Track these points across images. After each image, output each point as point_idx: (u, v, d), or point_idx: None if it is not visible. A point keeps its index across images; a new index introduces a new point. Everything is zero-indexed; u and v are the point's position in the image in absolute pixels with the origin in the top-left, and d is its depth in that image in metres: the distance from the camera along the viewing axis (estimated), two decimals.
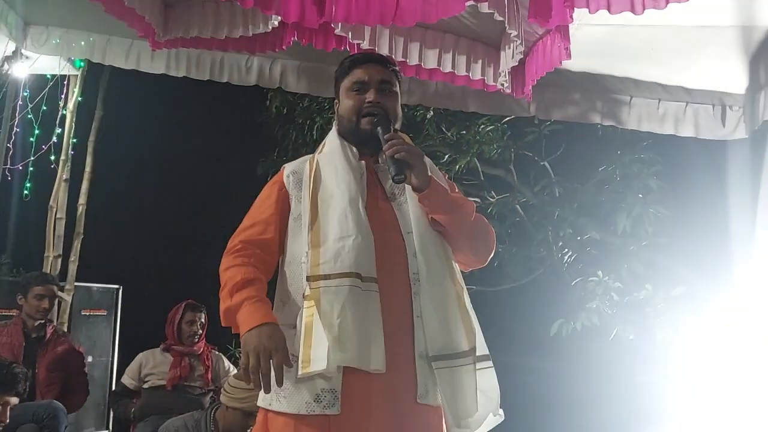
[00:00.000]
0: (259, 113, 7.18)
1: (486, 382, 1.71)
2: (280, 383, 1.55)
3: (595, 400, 4.71)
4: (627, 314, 4.79)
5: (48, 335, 3.79)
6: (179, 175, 8.36)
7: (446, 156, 5.93)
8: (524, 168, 5.90)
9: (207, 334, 4.07)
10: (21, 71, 4.04)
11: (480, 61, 3.30)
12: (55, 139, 4.97)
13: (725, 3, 2.84)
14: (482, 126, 5.66)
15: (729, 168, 3.80)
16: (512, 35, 2.68)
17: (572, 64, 3.17)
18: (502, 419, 1.75)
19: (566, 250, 5.62)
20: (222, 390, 3.15)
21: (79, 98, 5.11)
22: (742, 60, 3.26)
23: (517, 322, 5.16)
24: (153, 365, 3.91)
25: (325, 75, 3.70)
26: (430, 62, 3.25)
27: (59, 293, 4.16)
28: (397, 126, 1.85)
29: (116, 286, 5.70)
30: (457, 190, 1.88)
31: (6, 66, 3.86)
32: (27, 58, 3.89)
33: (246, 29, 3.03)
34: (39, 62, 4.08)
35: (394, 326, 1.64)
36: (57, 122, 4.99)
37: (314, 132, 6.36)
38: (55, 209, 5.02)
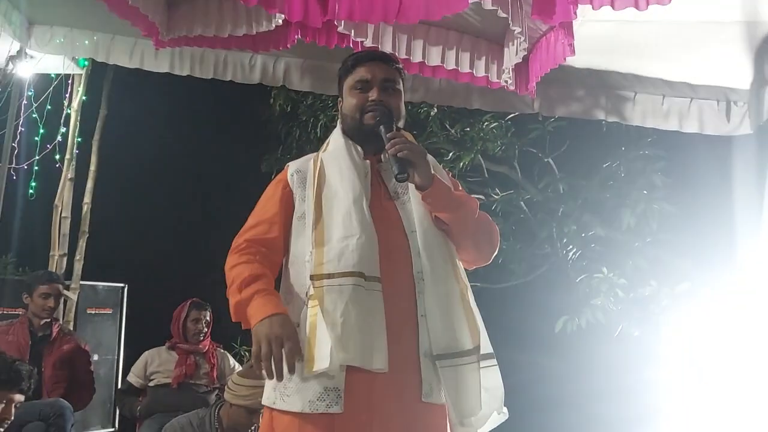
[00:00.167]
0: (262, 111, 7.19)
1: (490, 380, 1.71)
2: (292, 371, 1.56)
3: (600, 397, 4.71)
4: (632, 311, 4.79)
5: (54, 334, 3.80)
6: (183, 174, 8.38)
7: (450, 153, 5.92)
8: (528, 165, 5.89)
9: (212, 332, 4.09)
10: (25, 71, 4.05)
11: (484, 58, 3.30)
12: (59, 138, 4.98)
13: None
14: (486, 123, 5.66)
15: (734, 164, 3.79)
16: (516, 32, 2.68)
17: (576, 61, 3.17)
18: (506, 417, 1.74)
19: (571, 246, 5.62)
20: (226, 387, 3.15)
21: (84, 97, 5.12)
22: (747, 55, 3.25)
23: (522, 319, 5.16)
24: (159, 363, 3.92)
25: (329, 73, 3.70)
26: (434, 59, 3.24)
27: (65, 292, 4.18)
28: (401, 124, 1.85)
29: (121, 285, 5.71)
30: (460, 188, 1.88)
31: (10, 65, 3.88)
32: (31, 57, 3.90)
33: (249, 27, 3.03)
34: (43, 62, 4.10)
35: (398, 325, 1.64)
36: (62, 121, 5.00)
37: (318, 129, 6.37)
38: (60, 208, 5.03)
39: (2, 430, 2.90)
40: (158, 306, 4.50)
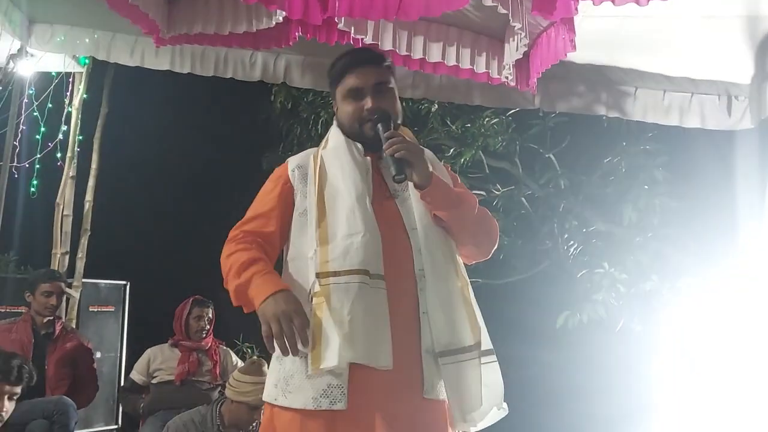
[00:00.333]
0: (263, 108, 7.19)
1: (490, 376, 1.72)
2: (306, 343, 1.57)
3: (601, 392, 4.71)
4: (633, 306, 4.79)
5: (57, 332, 3.81)
6: (185, 171, 8.38)
7: (451, 149, 5.93)
8: (529, 160, 5.89)
9: (214, 329, 4.09)
10: (26, 69, 4.05)
11: (484, 54, 3.29)
12: (61, 136, 4.98)
13: None
14: (487, 119, 5.66)
15: (735, 159, 3.78)
16: (516, 28, 2.68)
17: (577, 56, 3.17)
18: (506, 413, 1.75)
19: (572, 242, 5.62)
20: (227, 384, 3.16)
21: (85, 95, 5.12)
22: (748, 50, 3.25)
23: (523, 315, 5.16)
24: (161, 360, 3.93)
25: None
26: (435, 56, 3.24)
27: (67, 290, 4.18)
28: (399, 121, 1.84)
29: (124, 282, 5.73)
30: (460, 183, 1.89)
31: (11, 64, 3.87)
32: (32, 55, 3.89)
33: (250, 25, 3.03)
34: (44, 60, 4.09)
35: (400, 322, 1.64)
36: (63, 120, 5.00)
37: (319, 126, 6.37)
38: (61, 206, 5.04)
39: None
40: (160, 303, 4.51)
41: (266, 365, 3.07)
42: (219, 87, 4.55)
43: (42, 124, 4.75)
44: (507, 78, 3.26)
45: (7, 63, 3.85)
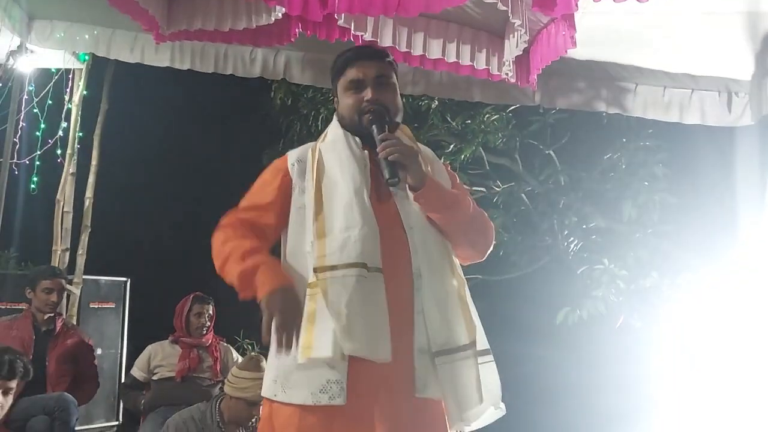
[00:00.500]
0: (263, 105, 7.18)
1: (487, 376, 1.72)
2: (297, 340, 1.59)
3: (601, 388, 4.72)
4: (633, 302, 4.80)
5: (58, 328, 3.82)
6: (185, 167, 8.38)
7: (451, 146, 5.93)
8: (529, 157, 5.89)
9: (215, 325, 4.10)
10: (26, 66, 4.04)
11: (484, 51, 3.29)
12: (61, 133, 4.98)
13: None
14: (487, 115, 5.65)
15: (735, 155, 3.79)
16: (516, 24, 2.67)
17: (577, 53, 3.16)
18: (503, 413, 1.75)
19: (572, 238, 5.63)
20: (226, 380, 3.17)
21: (84, 92, 5.11)
22: (748, 46, 3.24)
23: (523, 311, 5.17)
24: (162, 357, 3.94)
25: (329, 66, 3.68)
26: (435, 52, 3.24)
27: (67, 286, 4.19)
28: (399, 117, 1.84)
29: (124, 279, 5.73)
30: (458, 182, 1.88)
31: (11, 60, 3.87)
32: (32, 52, 3.89)
33: (249, 21, 3.03)
34: (44, 56, 4.09)
35: (396, 319, 1.64)
36: (63, 116, 5.00)
37: (319, 123, 6.36)
38: (62, 203, 5.04)
39: None
40: (161, 300, 4.51)
41: (264, 361, 3.06)
42: (219, 83, 4.54)
43: (42, 121, 4.75)
44: (507, 74, 3.26)
45: (7, 59, 3.85)
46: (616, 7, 2.43)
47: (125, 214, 7.55)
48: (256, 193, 1.82)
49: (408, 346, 1.66)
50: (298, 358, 1.59)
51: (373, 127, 1.74)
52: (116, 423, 5.36)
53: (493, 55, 3.30)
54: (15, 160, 4.37)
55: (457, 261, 1.80)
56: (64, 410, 3.50)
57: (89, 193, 5.36)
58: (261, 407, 2.18)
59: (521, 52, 3.08)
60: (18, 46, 3.76)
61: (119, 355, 5.51)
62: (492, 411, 1.73)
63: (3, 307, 4.61)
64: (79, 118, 5.13)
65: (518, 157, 5.87)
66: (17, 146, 4.39)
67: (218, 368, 3.96)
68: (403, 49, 3.17)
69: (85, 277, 5.24)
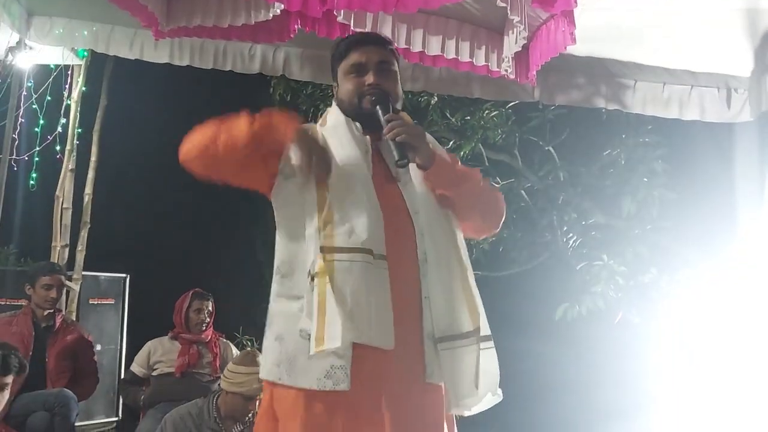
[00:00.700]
0: (262, 101, 7.17)
1: (487, 362, 1.71)
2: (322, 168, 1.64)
3: (600, 384, 4.73)
4: (632, 298, 4.80)
5: (57, 324, 3.82)
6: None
7: (451, 142, 5.92)
8: (529, 153, 5.89)
9: (214, 322, 4.10)
10: (25, 62, 4.05)
11: (484, 47, 3.29)
12: (60, 129, 4.98)
13: None
14: (486, 111, 5.65)
15: (734, 151, 3.79)
16: (515, 21, 2.68)
17: (576, 49, 3.16)
18: (500, 399, 1.75)
19: (571, 234, 5.63)
20: (222, 376, 3.17)
21: (84, 88, 5.11)
22: (748, 43, 3.24)
23: (522, 307, 5.17)
24: (162, 353, 3.95)
25: (329, 62, 3.68)
26: (434, 49, 3.23)
27: (67, 283, 4.19)
28: (399, 105, 1.82)
29: (123, 275, 5.73)
30: (461, 166, 1.86)
31: (10, 57, 3.87)
32: (31, 48, 3.89)
33: (248, 17, 3.03)
34: (43, 52, 4.09)
35: (402, 306, 1.63)
36: (62, 112, 5.00)
37: (318, 119, 6.35)
38: (61, 199, 5.04)
39: None
40: (160, 296, 4.52)
41: (260, 356, 3.07)
42: (218, 79, 4.54)
43: (41, 117, 4.75)
44: (506, 71, 3.26)
45: (6, 56, 3.85)
46: (615, 4, 2.44)
47: (124, 211, 7.55)
48: None
49: (417, 333, 1.66)
50: (311, 349, 1.57)
51: (378, 108, 1.73)
52: (116, 419, 5.37)
53: (492, 51, 3.30)
54: (14, 157, 4.37)
55: (464, 247, 1.78)
56: (64, 406, 3.51)
57: (88, 189, 5.36)
58: (258, 402, 2.18)
59: (520, 49, 3.08)
60: (17, 43, 3.76)
61: (119, 351, 5.52)
62: (489, 397, 1.73)
63: (2, 303, 4.63)
64: (78, 114, 5.13)
65: (518, 153, 5.87)
66: (16, 142, 4.39)
67: (218, 364, 3.97)
68: (403, 45, 3.17)
69: (84, 273, 5.25)
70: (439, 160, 1.71)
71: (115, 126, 5.83)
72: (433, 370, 1.66)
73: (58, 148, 4.99)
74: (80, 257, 5.21)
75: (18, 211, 4.81)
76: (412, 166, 1.72)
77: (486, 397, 1.72)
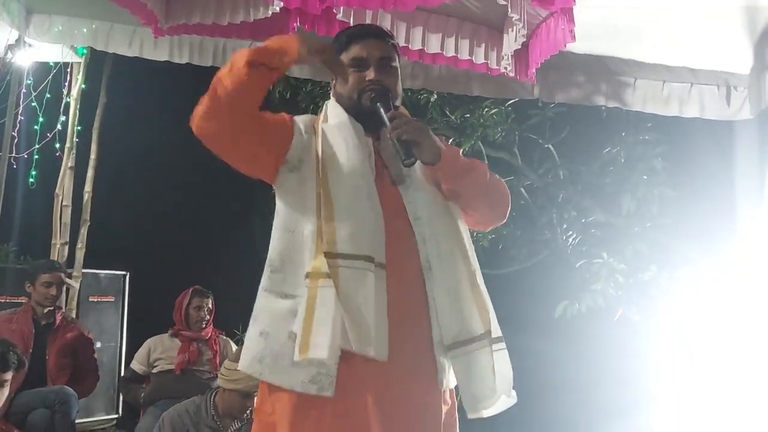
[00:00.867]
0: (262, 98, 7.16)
1: (500, 364, 1.69)
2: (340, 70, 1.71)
3: (600, 382, 4.74)
4: (632, 295, 4.81)
5: (57, 322, 3.83)
6: (183, 161, 8.34)
7: (450, 139, 5.90)
8: (528, 150, 5.89)
9: (214, 319, 4.11)
10: (24, 59, 4.04)
11: (483, 45, 3.29)
12: (59, 126, 4.97)
13: None
14: (486, 109, 5.65)
15: (734, 149, 3.79)
16: (514, 19, 2.67)
17: (576, 47, 3.16)
18: (515, 401, 1.73)
19: (571, 232, 5.63)
20: (219, 373, 3.18)
21: (83, 86, 5.11)
22: (747, 40, 3.24)
23: (522, 305, 5.17)
24: (162, 350, 3.95)
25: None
26: (433, 46, 3.24)
27: (67, 280, 4.20)
28: (398, 103, 1.78)
29: (123, 273, 5.73)
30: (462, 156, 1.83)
31: (9, 54, 3.87)
32: (30, 46, 3.89)
33: (247, 14, 3.03)
34: (42, 50, 4.09)
35: (406, 314, 1.61)
36: (61, 110, 5.00)
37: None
38: (61, 197, 5.04)
39: None
40: (160, 293, 4.52)
41: None
42: None
43: (40, 115, 4.75)
44: (506, 68, 3.26)
45: (5, 53, 3.84)
46: (615, 1, 2.44)
47: (124, 208, 7.55)
48: None
49: (426, 340, 1.63)
50: (295, 355, 1.54)
51: (379, 105, 1.69)
52: (116, 416, 5.37)
53: (491, 49, 3.30)
54: (14, 154, 4.37)
55: (470, 247, 1.75)
56: (65, 403, 3.52)
57: (88, 186, 5.36)
58: (256, 398, 2.17)
59: (520, 46, 3.08)
60: (16, 40, 3.75)
61: (119, 349, 5.52)
62: (504, 399, 1.70)
63: (2, 300, 4.62)
64: (77, 111, 5.13)
65: (517, 150, 5.87)
66: (16, 140, 4.39)
67: (218, 361, 3.98)
68: (402, 43, 3.16)
69: (84, 270, 5.24)
70: (445, 154, 1.67)
71: (114, 123, 5.83)
72: (445, 377, 1.64)
73: (57, 145, 4.98)
74: (80, 255, 5.21)
75: (18, 209, 4.81)
76: (413, 168, 1.69)
77: (501, 399, 1.69)
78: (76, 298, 5.11)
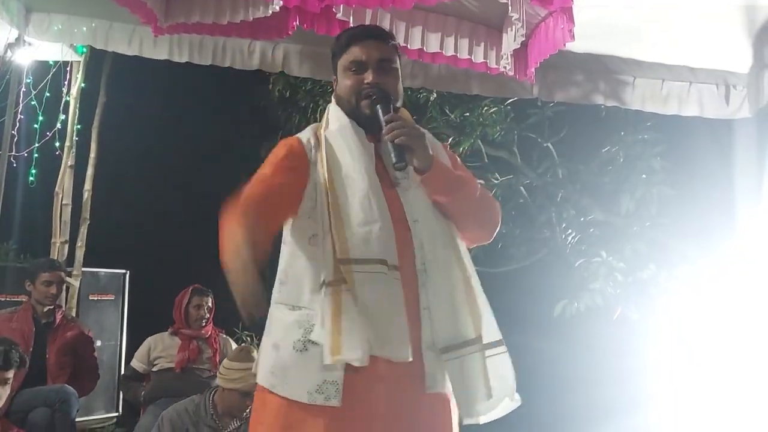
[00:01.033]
0: (261, 97, 7.18)
1: (500, 367, 1.68)
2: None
3: (598, 380, 4.74)
4: (631, 294, 4.81)
5: (58, 320, 3.83)
6: (183, 159, 8.37)
7: (450, 138, 5.92)
8: (528, 149, 5.89)
9: (214, 318, 4.12)
10: (24, 58, 4.04)
11: (482, 44, 3.29)
12: (59, 125, 4.98)
13: None
14: (486, 108, 5.65)
15: (733, 147, 3.79)
16: (513, 18, 2.68)
17: (575, 46, 3.16)
18: (519, 404, 1.72)
19: (570, 231, 5.64)
20: (218, 372, 3.18)
21: (83, 84, 5.11)
22: (746, 39, 3.25)
23: (521, 304, 5.18)
24: (162, 348, 3.96)
25: (328, 59, 3.63)
26: (433, 46, 3.24)
27: (67, 279, 4.21)
28: (399, 104, 1.78)
29: (123, 271, 5.74)
30: (459, 164, 1.84)
31: (9, 53, 3.87)
32: (29, 44, 3.88)
33: (247, 14, 3.03)
34: (41, 49, 4.09)
35: None
36: (61, 109, 5.00)
37: (317, 115, 6.36)
38: (60, 195, 5.04)
39: None
40: (160, 292, 4.53)
41: (255, 351, 3.08)
42: (217, 76, 4.55)
43: (40, 114, 4.75)
44: (505, 68, 3.26)
45: (5, 52, 3.84)
46: (614, 1, 2.44)
47: (124, 206, 7.55)
48: (274, 173, 1.68)
49: (416, 343, 1.62)
50: (325, 359, 1.54)
51: (378, 107, 1.68)
52: (116, 414, 5.38)
53: (491, 48, 3.30)
54: (13, 153, 4.37)
55: (465, 251, 1.75)
56: (65, 402, 3.52)
57: (88, 185, 5.36)
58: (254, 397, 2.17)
59: (519, 46, 3.08)
60: (16, 39, 3.75)
61: (119, 347, 5.53)
62: (507, 402, 1.70)
63: (3, 299, 4.62)
64: (77, 110, 5.13)
65: (516, 149, 5.87)
66: (15, 139, 4.39)
67: (217, 360, 3.98)
68: (402, 42, 3.16)
69: (84, 269, 5.25)
70: (437, 165, 1.67)
71: (114, 122, 5.84)
72: (435, 381, 1.63)
73: (57, 144, 4.99)
74: (80, 253, 5.21)
75: (17, 208, 4.82)
76: (413, 174, 1.69)
77: (503, 403, 1.69)
78: (76, 297, 5.11)
